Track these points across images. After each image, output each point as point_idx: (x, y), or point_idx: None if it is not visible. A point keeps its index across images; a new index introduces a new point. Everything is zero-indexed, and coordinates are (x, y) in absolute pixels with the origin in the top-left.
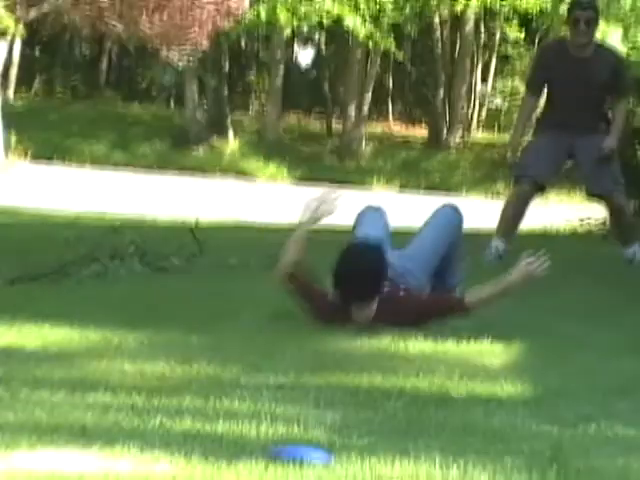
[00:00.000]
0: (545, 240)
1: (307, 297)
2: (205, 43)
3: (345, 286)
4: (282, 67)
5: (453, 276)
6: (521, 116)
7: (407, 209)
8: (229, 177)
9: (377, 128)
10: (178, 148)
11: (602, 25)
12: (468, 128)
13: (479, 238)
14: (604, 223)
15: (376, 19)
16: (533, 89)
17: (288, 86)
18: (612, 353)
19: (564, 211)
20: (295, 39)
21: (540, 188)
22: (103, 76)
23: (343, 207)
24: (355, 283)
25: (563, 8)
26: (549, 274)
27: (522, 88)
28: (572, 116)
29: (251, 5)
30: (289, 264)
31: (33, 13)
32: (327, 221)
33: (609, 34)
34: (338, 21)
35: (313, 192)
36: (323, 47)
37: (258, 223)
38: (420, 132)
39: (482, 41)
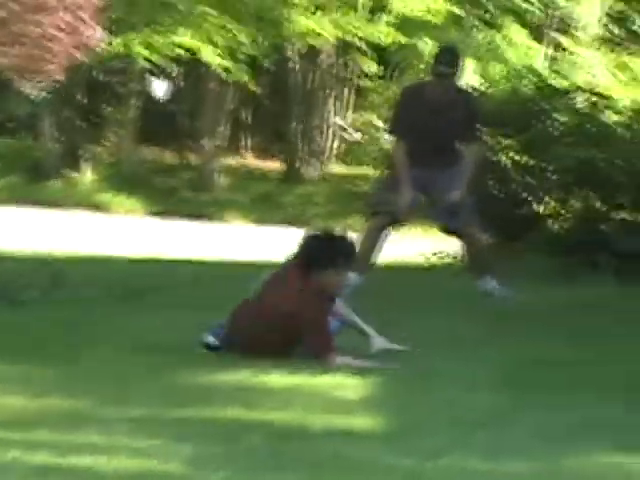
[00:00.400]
0: (399, 274)
1: None
2: (60, 75)
3: (305, 243)
4: (138, 99)
5: None
6: (400, 163)
7: (263, 243)
8: (84, 210)
9: (233, 161)
10: (33, 181)
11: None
12: (324, 161)
13: None
14: (457, 256)
15: (232, 52)
16: (399, 132)
17: (144, 119)
18: (469, 386)
19: (418, 244)
20: (151, 72)
21: (396, 222)
22: None
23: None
24: (310, 245)
25: (419, 44)
26: (404, 308)
27: (378, 121)
28: (429, 155)
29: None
30: None
31: None
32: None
33: (464, 68)
34: (194, 54)
35: (169, 225)
36: (180, 80)
37: (114, 256)
38: (277, 165)
39: (337, 74)
